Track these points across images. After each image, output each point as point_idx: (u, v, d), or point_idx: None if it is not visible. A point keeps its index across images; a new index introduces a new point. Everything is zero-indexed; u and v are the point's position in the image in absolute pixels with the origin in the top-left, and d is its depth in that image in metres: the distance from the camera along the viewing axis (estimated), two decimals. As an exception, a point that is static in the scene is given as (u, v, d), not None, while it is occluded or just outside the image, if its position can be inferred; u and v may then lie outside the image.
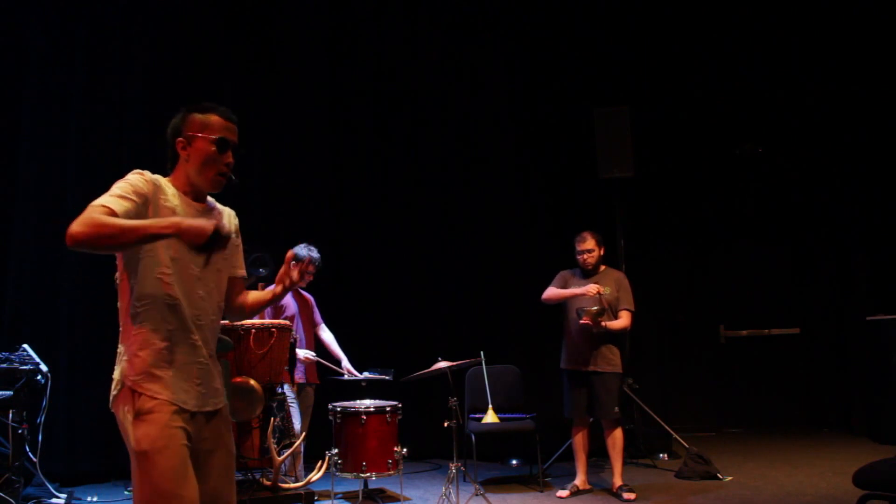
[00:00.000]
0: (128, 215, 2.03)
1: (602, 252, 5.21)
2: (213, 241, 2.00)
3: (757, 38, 7.69)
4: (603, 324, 4.95)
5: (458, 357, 4.87)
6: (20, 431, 4.65)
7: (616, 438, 5.06)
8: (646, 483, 5.38)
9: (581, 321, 4.93)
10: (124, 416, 2.13)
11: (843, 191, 7.59)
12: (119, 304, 2.23)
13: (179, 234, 1.97)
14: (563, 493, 5.07)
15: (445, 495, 4.63)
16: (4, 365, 4.76)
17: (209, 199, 2.40)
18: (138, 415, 2.11)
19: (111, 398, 2.18)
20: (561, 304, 5.20)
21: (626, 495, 4.90)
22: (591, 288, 4.97)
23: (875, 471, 3.13)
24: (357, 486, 5.17)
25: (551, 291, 5.19)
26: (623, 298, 5.11)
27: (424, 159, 7.09)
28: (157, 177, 2.25)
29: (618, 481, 5.03)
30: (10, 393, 4.70)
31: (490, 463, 6.24)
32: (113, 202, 2.04)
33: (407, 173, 7.04)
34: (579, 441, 5.17)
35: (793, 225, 7.79)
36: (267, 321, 4.53)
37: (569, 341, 5.17)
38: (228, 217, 2.46)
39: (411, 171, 7.06)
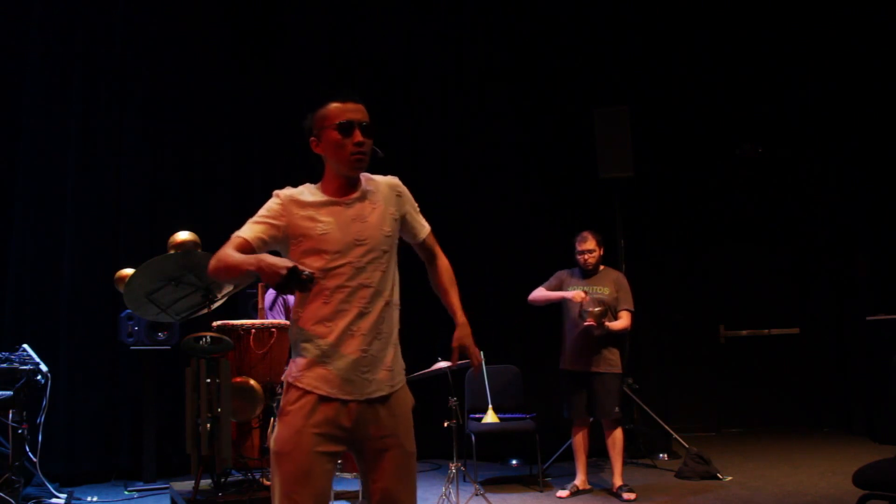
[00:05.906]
0: (262, 237, 2.20)
1: (602, 252, 5.21)
2: (289, 282, 1.97)
3: (757, 38, 7.69)
4: (604, 324, 4.95)
5: (458, 357, 4.85)
6: (20, 431, 4.64)
7: (616, 438, 5.06)
8: (646, 483, 5.38)
9: (585, 323, 4.92)
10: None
11: (843, 191, 7.58)
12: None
13: (259, 271, 2.03)
14: (563, 493, 5.07)
15: (445, 495, 4.63)
16: (4, 365, 4.75)
17: (363, 179, 2.44)
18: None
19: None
20: (561, 305, 5.20)
21: (626, 495, 4.91)
22: (577, 295, 4.97)
23: (875, 471, 3.13)
24: (357, 486, 5.16)
25: (538, 293, 5.19)
26: (623, 299, 5.11)
27: (424, 159, 7.08)
28: (294, 191, 2.31)
29: (618, 481, 5.03)
30: (10, 393, 4.69)
31: (490, 463, 6.24)
32: (246, 229, 2.22)
33: (406, 173, 7.00)
34: (579, 441, 5.17)
35: (793, 225, 7.78)
36: (267, 321, 4.53)
37: (569, 342, 5.16)
38: (388, 186, 2.53)
39: (410, 170, 7.05)
